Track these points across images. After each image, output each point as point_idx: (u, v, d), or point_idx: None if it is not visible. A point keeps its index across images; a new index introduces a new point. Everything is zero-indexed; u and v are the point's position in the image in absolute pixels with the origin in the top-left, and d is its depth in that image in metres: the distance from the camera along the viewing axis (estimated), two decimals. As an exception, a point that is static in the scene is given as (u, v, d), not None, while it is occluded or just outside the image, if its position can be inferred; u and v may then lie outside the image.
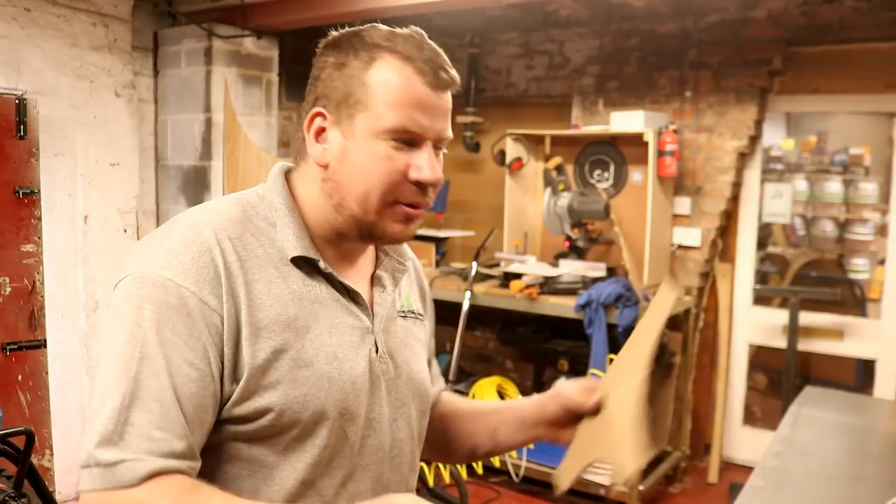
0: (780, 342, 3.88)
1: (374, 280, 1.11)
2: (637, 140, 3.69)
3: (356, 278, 1.08)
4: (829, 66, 3.68)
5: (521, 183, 4.19)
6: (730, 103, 3.80)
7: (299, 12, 3.52)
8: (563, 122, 4.29)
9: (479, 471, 3.55)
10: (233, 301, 0.93)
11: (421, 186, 0.99)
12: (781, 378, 3.82)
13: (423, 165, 0.98)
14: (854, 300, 4.71)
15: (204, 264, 0.93)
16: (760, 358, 4.41)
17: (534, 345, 4.10)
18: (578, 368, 3.77)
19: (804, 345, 3.86)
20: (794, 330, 3.66)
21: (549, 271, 3.68)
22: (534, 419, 1.21)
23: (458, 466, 3.36)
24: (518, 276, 3.68)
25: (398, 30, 1.01)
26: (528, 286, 3.60)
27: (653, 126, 3.67)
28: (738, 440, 4.10)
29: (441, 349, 4.67)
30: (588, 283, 3.58)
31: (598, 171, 4.06)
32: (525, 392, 4.13)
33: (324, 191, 1.02)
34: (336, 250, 1.06)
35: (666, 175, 3.69)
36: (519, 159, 4.09)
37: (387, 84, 0.96)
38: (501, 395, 4.08)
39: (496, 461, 3.61)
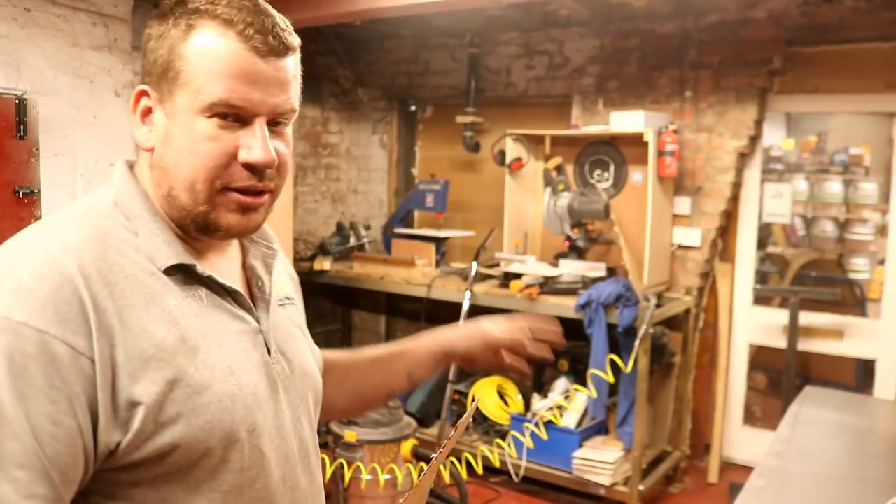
0: (780, 342, 3.88)
1: (248, 272, 1.00)
2: (637, 140, 3.69)
3: (230, 274, 0.96)
4: (828, 66, 3.68)
5: (521, 183, 4.19)
6: (730, 103, 3.81)
7: (299, 12, 3.52)
8: (563, 122, 4.29)
9: (479, 471, 3.55)
10: (105, 338, 0.79)
11: (253, 169, 0.87)
12: (781, 378, 3.82)
13: (254, 144, 0.86)
14: (854, 300, 4.71)
15: (64, 300, 0.78)
16: (760, 358, 4.41)
17: (534, 345, 4.10)
18: (578, 368, 3.77)
19: (804, 345, 3.86)
20: (794, 330, 3.66)
21: (549, 271, 3.68)
22: (444, 357, 1.20)
23: (458, 466, 3.36)
24: (518, 276, 3.68)
25: None
26: (528, 286, 3.60)
27: (653, 126, 3.67)
28: (738, 440, 4.10)
29: (441, 349, 4.67)
30: (588, 283, 3.58)
31: (598, 171, 4.06)
32: (525, 392, 4.13)
33: (153, 179, 0.90)
34: (202, 248, 0.94)
35: (666, 175, 3.69)
36: (519, 159, 4.09)
37: (205, 53, 0.84)
38: (502, 395, 4.08)
39: (496, 461, 3.60)
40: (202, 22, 0.85)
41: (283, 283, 1.09)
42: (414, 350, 1.21)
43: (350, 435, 3.29)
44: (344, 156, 5.16)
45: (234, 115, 0.86)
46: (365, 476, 3.17)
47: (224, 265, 0.97)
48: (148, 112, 0.90)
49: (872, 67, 3.58)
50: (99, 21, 3.47)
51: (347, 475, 3.10)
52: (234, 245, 1.01)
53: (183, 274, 0.88)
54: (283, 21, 0.90)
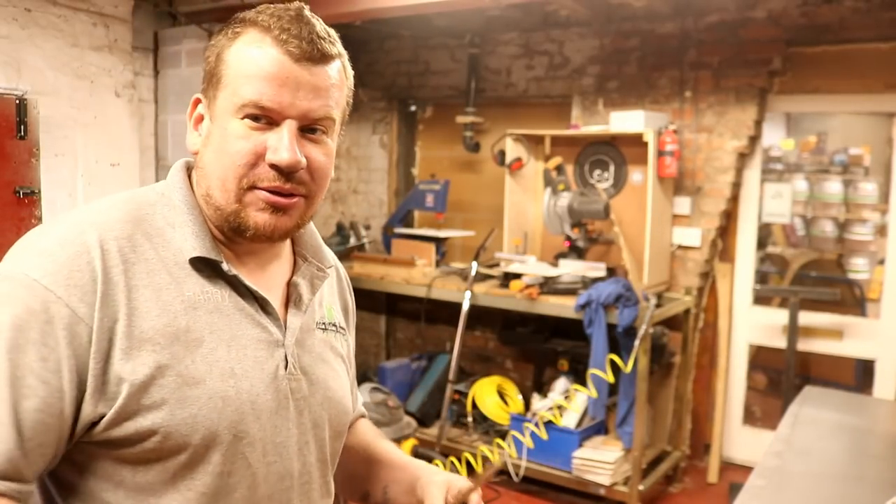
0: (780, 342, 3.88)
1: (290, 288, 1.00)
2: (637, 140, 3.70)
3: (269, 285, 0.97)
4: (828, 66, 3.68)
5: (521, 183, 4.19)
6: (730, 103, 3.81)
7: (299, 12, 3.51)
8: (563, 122, 4.29)
9: (480, 471, 3.55)
10: (108, 310, 0.82)
11: (279, 170, 0.88)
12: (781, 378, 3.83)
13: (279, 146, 0.87)
14: (854, 300, 4.71)
15: (78, 267, 0.82)
16: (760, 358, 4.41)
17: (534, 345, 4.11)
18: (578, 368, 3.77)
19: (804, 345, 3.86)
20: (793, 330, 3.66)
21: (549, 271, 3.68)
22: (419, 491, 1.08)
23: (458, 466, 3.37)
24: (518, 276, 3.68)
25: (276, 5, 0.91)
26: (528, 286, 3.60)
27: (653, 126, 3.67)
28: (738, 440, 4.10)
29: (441, 349, 4.68)
30: (588, 283, 3.58)
31: (598, 171, 4.06)
32: (525, 392, 4.13)
33: (196, 181, 0.95)
34: (242, 253, 0.96)
35: (666, 175, 3.70)
36: (519, 159, 4.10)
37: (242, 57, 0.88)
38: (502, 395, 4.09)
39: (496, 461, 3.60)
40: (246, 30, 0.89)
41: (333, 308, 1.09)
42: (408, 469, 1.12)
43: (350, 435, 3.29)
44: (344, 156, 5.17)
45: (265, 118, 0.88)
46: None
47: (265, 276, 0.98)
48: (201, 119, 0.94)
49: (872, 67, 3.58)
50: (99, 21, 3.47)
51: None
52: (284, 260, 1.02)
53: (210, 270, 0.91)
54: (324, 30, 0.90)
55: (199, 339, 0.87)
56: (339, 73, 0.92)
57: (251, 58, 0.87)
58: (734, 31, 3.76)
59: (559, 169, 3.90)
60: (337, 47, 0.92)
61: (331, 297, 1.10)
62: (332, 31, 0.92)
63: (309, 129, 0.90)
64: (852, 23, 3.53)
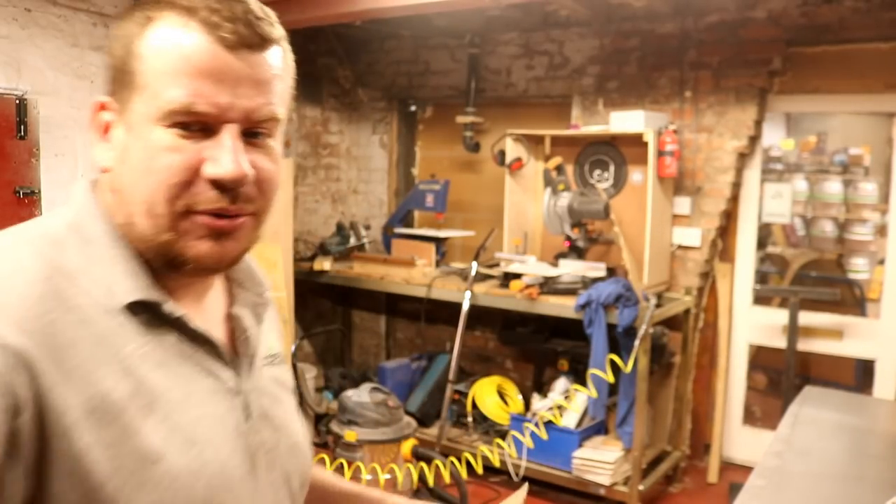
0: (780, 342, 3.88)
1: (233, 321, 0.84)
2: (637, 140, 3.70)
3: (209, 322, 0.79)
4: (828, 66, 3.68)
5: (521, 183, 4.19)
6: (729, 103, 3.81)
7: (299, 12, 3.52)
8: (563, 122, 4.29)
9: (480, 471, 3.55)
10: (30, 373, 0.62)
11: (222, 187, 0.71)
12: (781, 378, 3.83)
13: (220, 156, 0.70)
14: (854, 300, 4.71)
15: None
16: (760, 358, 4.42)
17: (534, 345, 4.11)
18: (578, 368, 3.77)
19: (804, 345, 3.86)
20: (793, 330, 3.66)
21: (549, 271, 3.68)
22: None
23: (458, 466, 3.36)
24: (518, 276, 3.69)
25: None
26: (528, 286, 3.60)
27: (653, 126, 3.67)
28: (738, 440, 4.10)
29: (441, 349, 4.68)
30: (588, 283, 3.58)
31: (598, 171, 4.06)
32: (525, 392, 4.13)
33: (113, 206, 0.75)
34: (176, 288, 0.77)
35: (666, 175, 3.70)
36: (519, 159, 4.10)
37: (162, 48, 0.70)
38: (502, 395, 4.09)
39: (496, 461, 3.60)
40: (161, 13, 0.71)
41: (272, 336, 0.93)
42: (362, 501, 1.03)
43: (350, 435, 3.29)
44: (344, 156, 5.17)
45: (198, 124, 0.71)
46: (365, 476, 3.17)
47: (203, 312, 0.81)
48: (108, 127, 0.75)
49: (872, 67, 3.58)
50: (99, 21, 3.48)
51: (347, 475, 3.10)
52: (217, 291, 0.85)
53: (147, 314, 0.72)
54: (260, 9, 0.73)
55: (149, 403, 0.69)
56: (281, 61, 0.75)
57: (174, 49, 0.69)
58: (734, 31, 3.76)
59: (559, 169, 3.90)
60: (277, 28, 0.75)
61: (269, 325, 0.93)
62: (268, 10, 0.75)
63: (251, 132, 0.73)
64: (852, 23, 3.53)
